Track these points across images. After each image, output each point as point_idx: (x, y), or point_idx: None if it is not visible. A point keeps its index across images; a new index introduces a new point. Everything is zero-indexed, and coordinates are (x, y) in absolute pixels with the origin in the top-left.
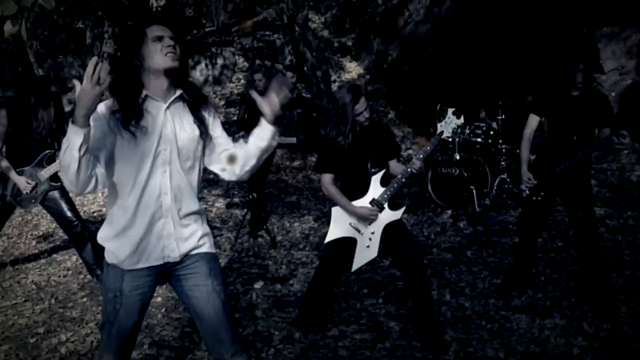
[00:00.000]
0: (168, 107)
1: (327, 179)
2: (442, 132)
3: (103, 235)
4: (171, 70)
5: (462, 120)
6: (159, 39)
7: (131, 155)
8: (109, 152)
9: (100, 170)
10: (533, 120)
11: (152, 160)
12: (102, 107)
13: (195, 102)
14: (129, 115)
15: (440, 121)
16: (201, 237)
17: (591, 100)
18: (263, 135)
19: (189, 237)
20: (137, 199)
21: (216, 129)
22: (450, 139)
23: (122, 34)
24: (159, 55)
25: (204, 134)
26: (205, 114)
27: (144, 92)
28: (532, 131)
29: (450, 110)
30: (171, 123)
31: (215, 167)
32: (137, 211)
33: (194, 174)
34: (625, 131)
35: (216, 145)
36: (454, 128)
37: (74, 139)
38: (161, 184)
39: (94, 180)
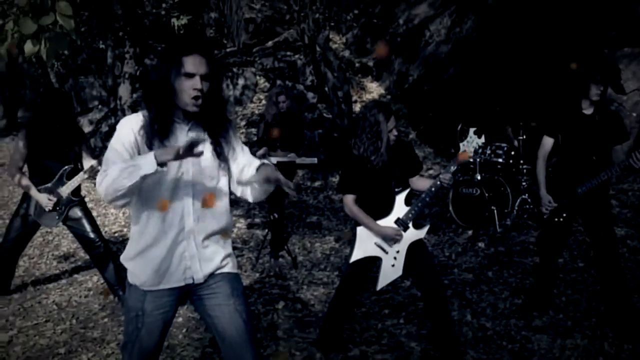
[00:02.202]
0: (190, 129)
1: (350, 199)
2: (464, 152)
3: (125, 255)
4: None
5: (483, 139)
6: (190, 76)
7: (157, 179)
8: None
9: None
10: (547, 142)
11: (175, 181)
12: (134, 123)
13: (213, 129)
14: (157, 133)
15: (462, 141)
16: (224, 258)
17: (605, 119)
18: (267, 188)
19: (212, 258)
20: (160, 220)
21: (237, 153)
22: (471, 159)
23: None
24: (185, 95)
25: (222, 155)
26: (224, 139)
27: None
28: (546, 153)
29: (471, 130)
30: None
31: (233, 187)
32: (159, 232)
33: (218, 194)
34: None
35: (236, 166)
36: (476, 148)
37: (145, 169)
38: (184, 206)
39: (129, 199)
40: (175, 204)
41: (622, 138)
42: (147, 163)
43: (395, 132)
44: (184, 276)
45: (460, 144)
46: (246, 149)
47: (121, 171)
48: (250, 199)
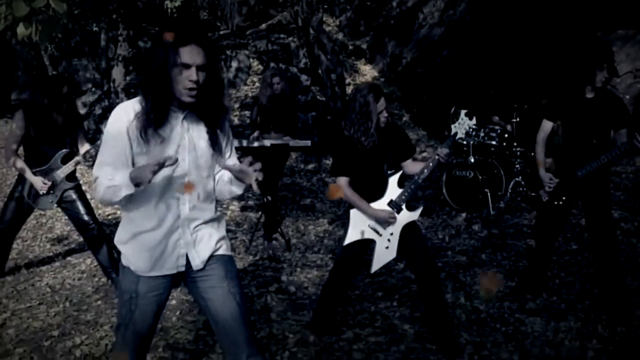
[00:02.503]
0: (185, 117)
1: (343, 182)
2: (456, 133)
3: (119, 239)
4: None
5: (474, 121)
6: (187, 67)
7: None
8: (130, 163)
9: None
10: (546, 125)
11: (172, 170)
12: (127, 112)
13: (210, 119)
14: (153, 122)
15: (453, 123)
16: (218, 241)
17: (606, 103)
18: (237, 189)
19: (208, 243)
20: (155, 207)
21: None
22: (464, 142)
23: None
24: (180, 86)
25: (217, 145)
26: (220, 129)
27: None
28: (545, 135)
29: (463, 112)
30: (188, 132)
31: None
32: (154, 220)
33: (211, 182)
34: None
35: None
36: (467, 129)
37: (125, 191)
38: (180, 194)
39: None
40: (171, 192)
41: (625, 122)
42: (125, 185)
43: (385, 114)
44: (176, 264)
45: (452, 126)
46: (234, 152)
47: (105, 189)
48: (215, 194)
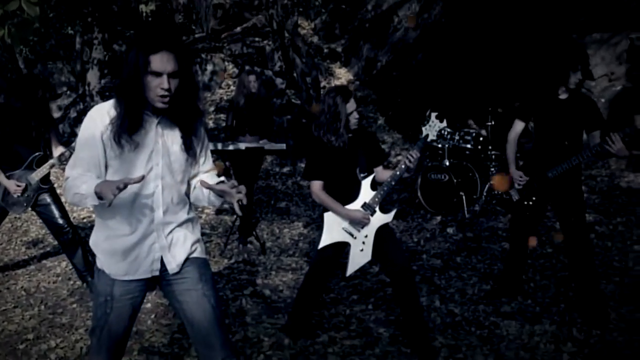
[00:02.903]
0: (159, 122)
1: (316, 185)
2: (427, 136)
3: (94, 242)
4: None
5: (445, 123)
6: (157, 75)
7: (125, 170)
8: (104, 167)
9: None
10: (518, 125)
11: (145, 174)
12: (102, 115)
13: (183, 123)
14: (127, 129)
15: (424, 125)
16: (193, 244)
17: (579, 104)
18: (216, 201)
19: (182, 245)
20: (129, 212)
21: (202, 157)
22: (439, 145)
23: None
24: (152, 94)
25: (191, 150)
26: (194, 133)
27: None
28: (516, 135)
29: (433, 115)
30: (162, 137)
31: None
32: (128, 224)
33: (185, 186)
34: (617, 135)
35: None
36: (439, 132)
37: (90, 201)
38: (154, 198)
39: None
40: (145, 196)
41: (598, 124)
42: (90, 196)
43: (356, 115)
44: (151, 267)
45: (423, 128)
46: (209, 157)
47: (73, 195)
48: (191, 200)
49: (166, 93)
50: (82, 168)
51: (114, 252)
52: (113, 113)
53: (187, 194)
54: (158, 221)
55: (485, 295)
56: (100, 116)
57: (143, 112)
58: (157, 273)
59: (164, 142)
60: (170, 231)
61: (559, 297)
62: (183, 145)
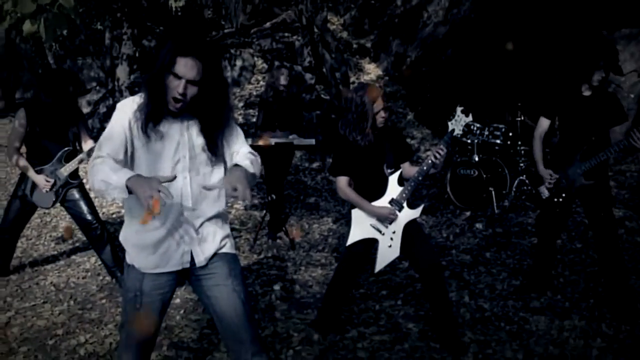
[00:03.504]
0: (184, 116)
1: (343, 182)
2: (453, 130)
3: (124, 237)
4: None
5: (470, 117)
6: (178, 77)
7: (152, 161)
8: (129, 155)
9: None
10: (544, 123)
11: (172, 166)
12: (130, 106)
13: (207, 129)
14: (152, 118)
15: (450, 120)
16: (223, 239)
17: (603, 100)
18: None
19: (212, 240)
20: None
21: (232, 144)
22: (469, 140)
23: (141, 35)
24: (169, 95)
25: (213, 151)
26: (219, 138)
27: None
28: (543, 132)
29: (459, 109)
30: (188, 130)
31: None
32: (159, 218)
33: (215, 178)
34: None
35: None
36: (465, 126)
37: (117, 193)
38: (182, 190)
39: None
40: (173, 189)
41: (620, 119)
42: (119, 188)
43: (383, 114)
44: (181, 260)
45: (449, 123)
46: (244, 143)
47: (99, 182)
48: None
49: (180, 97)
50: (108, 150)
51: (144, 246)
52: (139, 103)
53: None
54: (187, 214)
55: (514, 290)
56: (130, 107)
57: (165, 106)
58: (187, 265)
59: (189, 135)
60: (200, 224)
61: (589, 292)
62: (205, 145)
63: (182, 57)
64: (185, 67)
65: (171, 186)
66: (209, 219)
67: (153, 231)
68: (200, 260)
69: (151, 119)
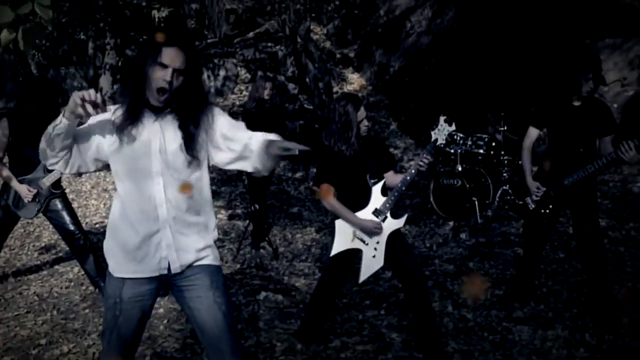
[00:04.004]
0: (157, 119)
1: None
2: (436, 140)
3: (106, 246)
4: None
5: (454, 127)
6: (164, 67)
7: (126, 167)
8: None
9: (72, 158)
10: (533, 133)
11: (146, 171)
12: (110, 110)
13: (184, 119)
14: (125, 119)
15: (433, 129)
16: (203, 249)
17: (593, 110)
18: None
19: (191, 249)
20: (134, 209)
21: (224, 129)
22: (452, 150)
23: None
24: (153, 86)
25: (190, 149)
26: (198, 133)
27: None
28: (531, 143)
29: (442, 118)
30: (161, 134)
31: (237, 165)
32: (134, 222)
33: (198, 185)
34: (631, 143)
35: (233, 142)
36: (449, 136)
37: (60, 128)
38: (156, 195)
39: (61, 161)
40: (148, 194)
41: (610, 130)
42: (59, 122)
43: (366, 123)
44: (159, 266)
45: (432, 132)
46: (240, 124)
47: (45, 140)
48: (249, 169)
49: (166, 86)
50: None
51: (123, 251)
52: (116, 111)
53: (203, 192)
54: (163, 219)
55: (498, 300)
56: (109, 110)
57: (142, 108)
58: (165, 272)
59: (161, 138)
60: (177, 230)
61: (572, 302)
62: (183, 145)
63: (166, 47)
64: (171, 56)
65: (146, 191)
66: (187, 226)
67: (131, 236)
68: (175, 267)
69: (129, 115)
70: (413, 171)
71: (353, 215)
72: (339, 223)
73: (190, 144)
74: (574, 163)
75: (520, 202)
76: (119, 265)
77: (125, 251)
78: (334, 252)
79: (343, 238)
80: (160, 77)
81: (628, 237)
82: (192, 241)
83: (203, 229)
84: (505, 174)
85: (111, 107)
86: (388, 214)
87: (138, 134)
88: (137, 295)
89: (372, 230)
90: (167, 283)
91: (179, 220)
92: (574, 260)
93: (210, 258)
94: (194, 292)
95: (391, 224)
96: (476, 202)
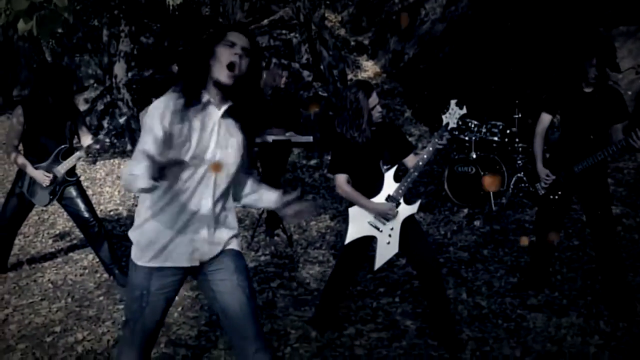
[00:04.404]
0: (223, 115)
1: (341, 179)
2: (447, 124)
3: (136, 232)
4: (225, 85)
5: (465, 110)
6: (232, 45)
7: (182, 157)
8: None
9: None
10: (545, 119)
11: (200, 163)
12: (165, 100)
13: (246, 122)
14: (191, 97)
15: (444, 113)
16: (231, 237)
17: (605, 97)
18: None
19: (221, 241)
20: (178, 200)
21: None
22: (466, 138)
23: (139, 33)
24: (222, 63)
25: (245, 149)
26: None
27: (206, 96)
28: (544, 129)
29: (452, 102)
30: (224, 130)
31: None
32: (175, 213)
33: (234, 179)
34: None
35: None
36: (462, 121)
37: (140, 182)
38: (204, 189)
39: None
40: (197, 187)
41: (622, 117)
42: (141, 177)
43: (379, 109)
44: (191, 257)
45: (443, 116)
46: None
47: (126, 177)
48: (242, 202)
49: (237, 60)
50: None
51: (156, 239)
52: (175, 97)
53: (238, 194)
54: (204, 212)
55: (512, 287)
56: (164, 101)
57: (204, 89)
58: (197, 263)
59: (225, 134)
60: (214, 222)
61: (586, 289)
62: (241, 143)
63: (231, 32)
64: (238, 37)
65: (195, 183)
66: (222, 216)
67: (168, 225)
68: (205, 258)
69: (191, 96)
70: (425, 156)
71: (367, 200)
72: (352, 210)
73: (248, 141)
74: (585, 150)
75: (532, 189)
76: (149, 255)
77: (159, 241)
78: (348, 239)
79: (357, 225)
80: (230, 53)
81: None
82: (224, 232)
83: (232, 220)
84: (519, 162)
85: (165, 98)
86: (401, 200)
87: (199, 124)
88: (164, 286)
89: (387, 214)
90: (192, 269)
91: (217, 212)
92: (588, 248)
93: (234, 243)
94: (218, 275)
95: (405, 210)
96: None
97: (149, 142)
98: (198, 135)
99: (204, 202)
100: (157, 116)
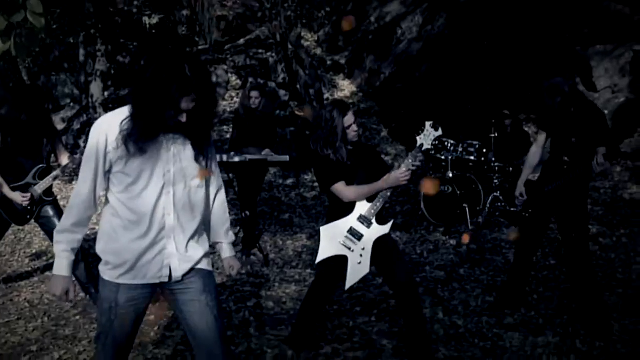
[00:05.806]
0: (173, 140)
1: (340, 188)
2: (422, 145)
3: (102, 248)
4: None
5: (440, 132)
6: (181, 111)
7: (132, 171)
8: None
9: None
10: (541, 137)
11: (156, 181)
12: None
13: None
14: (145, 136)
15: (419, 134)
16: (201, 256)
17: (582, 118)
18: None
19: (192, 257)
20: (141, 217)
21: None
22: (443, 157)
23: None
24: (181, 109)
25: (201, 157)
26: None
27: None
28: (537, 146)
29: (428, 124)
30: (175, 144)
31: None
32: (139, 229)
33: (199, 194)
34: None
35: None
36: (438, 142)
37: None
38: (165, 204)
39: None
40: (158, 202)
41: (601, 141)
42: (57, 257)
43: (355, 128)
44: (160, 274)
45: (417, 137)
46: (219, 174)
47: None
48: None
49: (192, 105)
50: (75, 213)
51: (124, 257)
52: (122, 118)
53: (204, 202)
54: (169, 227)
55: (488, 307)
56: (107, 124)
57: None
58: (166, 279)
59: (176, 148)
60: (180, 239)
61: (562, 309)
62: (195, 153)
63: (185, 97)
64: (187, 102)
65: (155, 199)
66: (190, 233)
67: (134, 242)
68: (177, 275)
69: (144, 135)
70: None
71: (376, 183)
72: (324, 229)
73: (201, 151)
74: (559, 170)
75: (511, 209)
76: (117, 271)
77: (127, 257)
78: (319, 258)
79: (328, 244)
80: (187, 100)
81: (619, 244)
82: (194, 249)
83: (202, 237)
84: (496, 181)
85: (110, 117)
86: (374, 220)
87: (148, 146)
88: (132, 298)
89: (398, 182)
90: (160, 286)
91: (184, 229)
92: (565, 267)
93: (204, 263)
94: (187, 296)
95: (377, 230)
96: (467, 209)
97: (91, 166)
98: (150, 155)
99: (167, 217)
100: (102, 137)
